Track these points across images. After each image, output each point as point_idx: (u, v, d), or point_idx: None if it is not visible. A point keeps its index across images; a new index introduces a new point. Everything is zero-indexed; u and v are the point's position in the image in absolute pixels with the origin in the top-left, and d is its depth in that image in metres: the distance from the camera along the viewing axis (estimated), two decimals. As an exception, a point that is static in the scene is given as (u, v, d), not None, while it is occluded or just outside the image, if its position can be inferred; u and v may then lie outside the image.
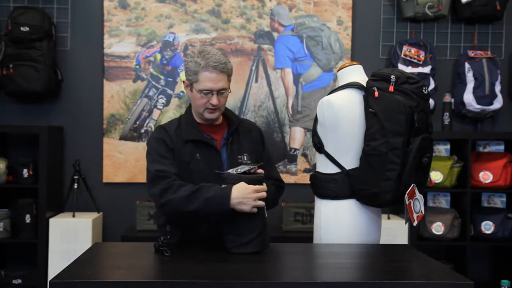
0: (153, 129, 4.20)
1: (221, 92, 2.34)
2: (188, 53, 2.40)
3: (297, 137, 4.30)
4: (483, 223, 4.06)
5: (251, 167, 2.23)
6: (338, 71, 2.58)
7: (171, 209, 2.25)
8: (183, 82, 2.42)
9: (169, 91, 4.26)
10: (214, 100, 2.33)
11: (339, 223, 2.45)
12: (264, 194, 2.17)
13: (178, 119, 2.49)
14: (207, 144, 2.38)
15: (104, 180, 4.23)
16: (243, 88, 4.27)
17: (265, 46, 4.28)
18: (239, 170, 2.20)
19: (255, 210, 2.15)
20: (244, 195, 2.14)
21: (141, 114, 4.25)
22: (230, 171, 2.21)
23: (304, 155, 4.30)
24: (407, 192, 2.31)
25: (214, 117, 2.39)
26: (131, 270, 1.96)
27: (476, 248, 4.29)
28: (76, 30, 4.24)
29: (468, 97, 4.16)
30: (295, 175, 4.28)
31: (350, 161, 2.42)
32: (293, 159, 4.29)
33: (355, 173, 2.40)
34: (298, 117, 4.29)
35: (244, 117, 4.22)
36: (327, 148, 2.46)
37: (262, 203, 2.16)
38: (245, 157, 2.42)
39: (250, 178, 2.17)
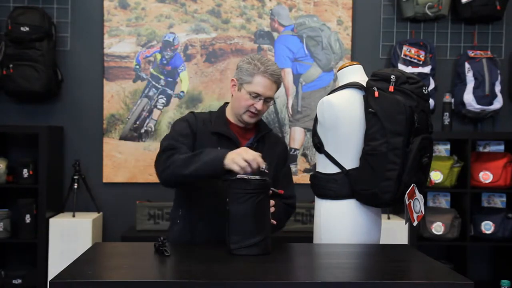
0: (153, 129, 4.21)
1: (267, 100, 2.40)
2: (245, 57, 2.45)
3: (297, 137, 4.30)
4: (483, 223, 4.06)
5: (264, 178, 2.19)
6: (338, 71, 2.58)
7: (171, 174, 2.24)
8: (232, 80, 2.45)
9: (169, 91, 4.26)
10: (260, 105, 2.38)
11: (339, 223, 2.45)
12: (258, 163, 2.14)
13: (210, 113, 2.53)
14: (231, 140, 2.41)
15: (104, 180, 4.23)
16: (243, 88, 4.26)
17: (265, 46, 4.28)
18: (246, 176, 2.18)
19: (246, 169, 2.13)
20: (235, 152, 2.15)
21: (141, 114, 4.25)
22: (238, 176, 2.19)
23: (304, 155, 4.30)
24: (407, 192, 2.30)
25: (253, 121, 2.43)
26: (131, 270, 1.96)
27: (476, 248, 4.29)
28: (76, 30, 4.24)
29: (468, 97, 4.16)
30: (295, 175, 4.28)
31: (350, 161, 2.42)
32: (293, 159, 4.29)
33: (355, 173, 2.40)
34: (298, 117, 4.29)
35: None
36: (327, 148, 2.46)
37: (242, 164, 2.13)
38: (264, 165, 2.42)
39: (253, 179, 2.13)
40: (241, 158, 2.13)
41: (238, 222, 2.12)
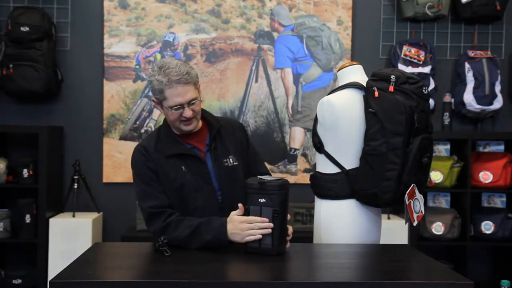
0: (153, 129, 4.20)
1: (192, 103, 2.28)
2: (149, 71, 2.35)
3: (297, 137, 4.30)
4: (483, 223, 4.06)
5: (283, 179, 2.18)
6: (338, 71, 2.58)
7: (173, 244, 2.22)
8: (153, 100, 2.36)
9: (169, 91, 4.25)
10: (187, 112, 2.27)
11: (339, 223, 2.45)
12: (258, 225, 2.11)
13: (158, 131, 2.42)
14: (189, 155, 2.34)
15: (104, 180, 4.23)
16: (243, 88, 4.27)
17: (265, 46, 4.28)
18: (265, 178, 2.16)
19: (250, 239, 2.12)
20: (235, 227, 2.14)
21: (141, 114, 4.25)
22: (264, 177, 2.16)
23: (304, 155, 4.30)
24: (407, 192, 2.30)
25: (192, 128, 2.33)
26: (131, 270, 1.96)
27: (476, 248, 4.29)
28: (76, 30, 4.24)
29: (468, 97, 4.16)
30: (295, 175, 4.28)
31: (350, 161, 2.42)
32: (293, 159, 4.29)
33: (355, 173, 2.40)
34: (298, 117, 4.29)
35: (244, 117, 4.23)
36: (327, 148, 2.46)
37: (256, 236, 2.11)
38: (230, 159, 2.40)
39: (271, 180, 2.13)
40: (242, 236, 2.13)
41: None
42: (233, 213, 2.19)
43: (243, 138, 2.52)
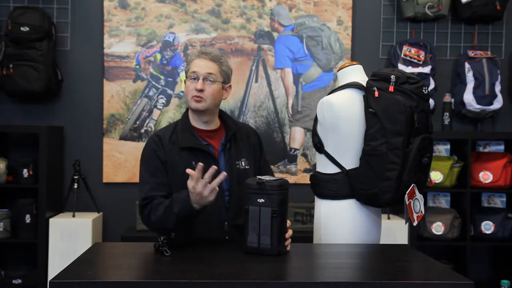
0: (153, 129, 4.20)
1: (208, 79, 2.34)
2: None
3: (297, 137, 4.30)
4: (483, 223, 4.07)
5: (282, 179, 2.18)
6: (338, 71, 2.58)
7: (160, 229, 2.26)
8: (184, 82, 2.45)
9: (169, 91, 4.26)
10: (199, 84, 2.32)
11: (339, 223, 2.45)
12: (207, 175, 2.10)
13: (175, 123, 2.47)
14: (203, 151, 2.36)
15: (104, 180, 4.23)
16: (243, 88, 4.27)
17: (265, 46, 4.28)
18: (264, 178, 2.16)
19: (212, 197, 2.12)
20: (192, 193, 2.13)
21: (141, 114, 4.25)
22: (263, 177, 2.16)
23: (304, 155, 4.30)
24: (407, 192, 2.30)
25: (199, 107, 2.34)
26: (131, 270, 1.96)
27: (476, 248, 4.29)
28: (76, 30, 4.24)
29: (468, 97, 4.16)
30: (295, 175, 4.28)
31: (350, 161, 2.42)
32: (293, 159, 4.29)
33: (355, 173, 2.40)
34: (298, 117, 4.29)
35: (244, 117, 4.23)
36: (327, 148, 2.46)
37: (215, 190, 2.11)
38: (242, 162, 2.42)
39: (270, 180, 2.14)
40: (206, 198, 2.13)
41: (255, 223, 2.12)
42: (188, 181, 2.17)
43: (257, 145, 2.55)
